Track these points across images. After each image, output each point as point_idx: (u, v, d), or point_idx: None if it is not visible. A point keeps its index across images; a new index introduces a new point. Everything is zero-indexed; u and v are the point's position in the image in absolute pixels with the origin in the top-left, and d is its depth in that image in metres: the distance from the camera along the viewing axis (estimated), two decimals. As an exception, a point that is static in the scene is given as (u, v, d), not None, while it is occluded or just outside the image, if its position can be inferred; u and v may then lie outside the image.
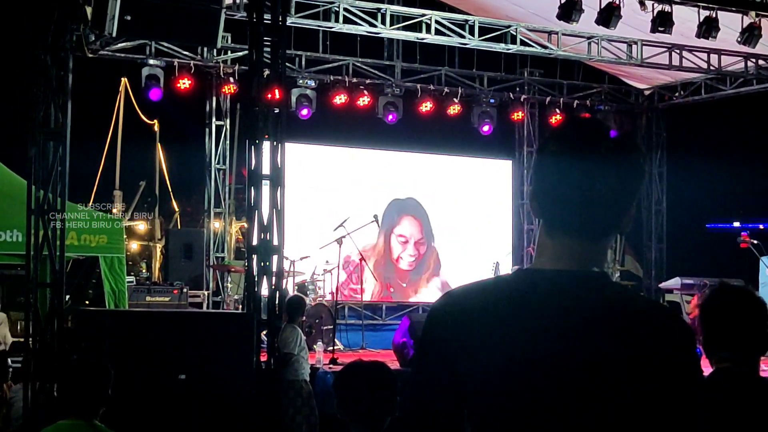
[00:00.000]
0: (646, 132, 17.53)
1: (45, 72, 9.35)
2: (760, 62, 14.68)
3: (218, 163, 15.02)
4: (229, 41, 14.07)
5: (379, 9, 13.09)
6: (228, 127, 15.01)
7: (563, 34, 13.77)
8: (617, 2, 12.02)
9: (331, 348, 12.08)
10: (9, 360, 9.37)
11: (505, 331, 1.82)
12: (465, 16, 13.73)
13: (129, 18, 9.54)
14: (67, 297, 10.86)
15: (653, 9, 12.26)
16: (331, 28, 13.18)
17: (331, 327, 12.74)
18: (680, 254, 16.72)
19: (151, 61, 13.74)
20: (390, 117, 15.31)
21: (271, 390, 8.39)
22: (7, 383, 8.87)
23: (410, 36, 13.56)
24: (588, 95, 16.98)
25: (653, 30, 12.41)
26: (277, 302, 8.68)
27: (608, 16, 12.06)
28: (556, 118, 16.29)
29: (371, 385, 3.56)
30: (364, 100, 15.10)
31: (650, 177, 16.92)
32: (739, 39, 12.66)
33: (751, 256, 13.33)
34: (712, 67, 14.75)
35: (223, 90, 14.63)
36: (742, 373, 3.02)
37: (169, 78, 13.88)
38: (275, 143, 8.85)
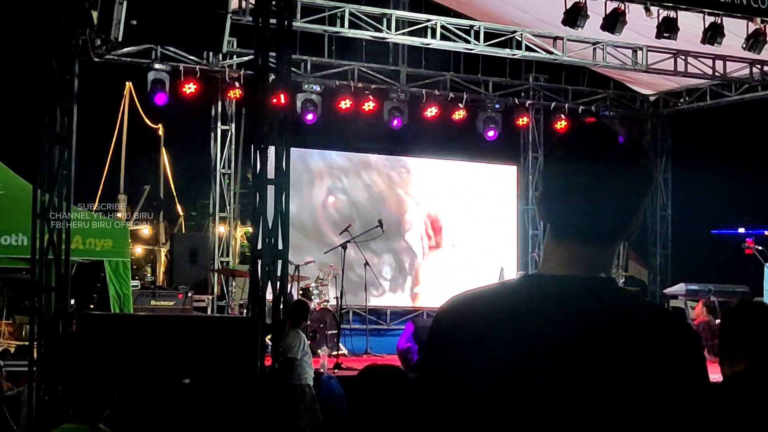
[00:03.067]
0: (651, 138, 17.52)
1: (51, 76, 9.34)
2: (765, 68, 14.66)
3: (223, 167, 15.03)
4: (235, 46, 14.09)
5: (384, 14, 13.12)
6: (233, 131, 15.03)
7: (568, 40, 13.78)
8: (622, 8, 12.02)
9: (335, 353, 12.08)
10: (1, 361, 9.44)
11: (510, 337, 1.81)
12: (470, 22, 13.73)
13: (135, 23, 9.55)
14: (72, 301, 10.87)
15: (658, 15, 12.24)
16: (336, 32, 13.20)
17: (336, 332, 12.74)
18: (685, 260, 16.69)
19: (157, 66, 13.75)
20: (395, 122, 15.29)
21: (275, 394, 8.39)
22: (6, 383, 8.91)
23: (416, 41, 13.57)
24: (593, 101, 16.97)
25: (658, 36, 12.39)
26: (281, 307, 8.68)
27: (613, 21, 12.05)
28: (561, 124, 16.29)
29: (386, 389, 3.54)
30: (369, 105, 15.10)
31: (655, 182, 16.89)
32: (744, 45, 12.64)
33: (756, 262, 13.33)
34: (717, 73, 14.74)
35: (229, 94, 14.64)
36: (759, 376, 3.04)
37: (174, 82, 13.88)
38: (280, 148, 8.85)
